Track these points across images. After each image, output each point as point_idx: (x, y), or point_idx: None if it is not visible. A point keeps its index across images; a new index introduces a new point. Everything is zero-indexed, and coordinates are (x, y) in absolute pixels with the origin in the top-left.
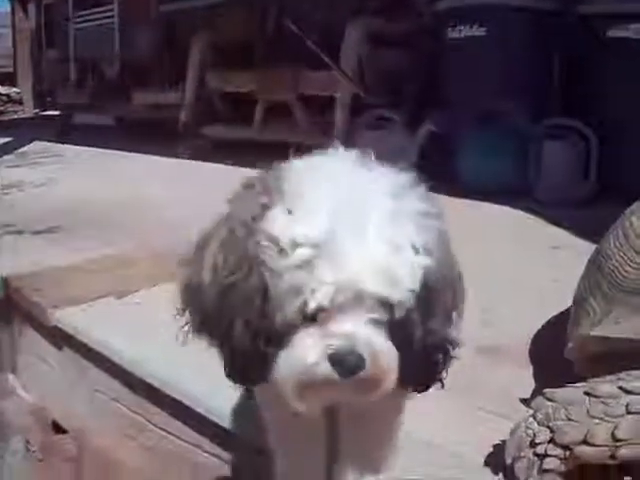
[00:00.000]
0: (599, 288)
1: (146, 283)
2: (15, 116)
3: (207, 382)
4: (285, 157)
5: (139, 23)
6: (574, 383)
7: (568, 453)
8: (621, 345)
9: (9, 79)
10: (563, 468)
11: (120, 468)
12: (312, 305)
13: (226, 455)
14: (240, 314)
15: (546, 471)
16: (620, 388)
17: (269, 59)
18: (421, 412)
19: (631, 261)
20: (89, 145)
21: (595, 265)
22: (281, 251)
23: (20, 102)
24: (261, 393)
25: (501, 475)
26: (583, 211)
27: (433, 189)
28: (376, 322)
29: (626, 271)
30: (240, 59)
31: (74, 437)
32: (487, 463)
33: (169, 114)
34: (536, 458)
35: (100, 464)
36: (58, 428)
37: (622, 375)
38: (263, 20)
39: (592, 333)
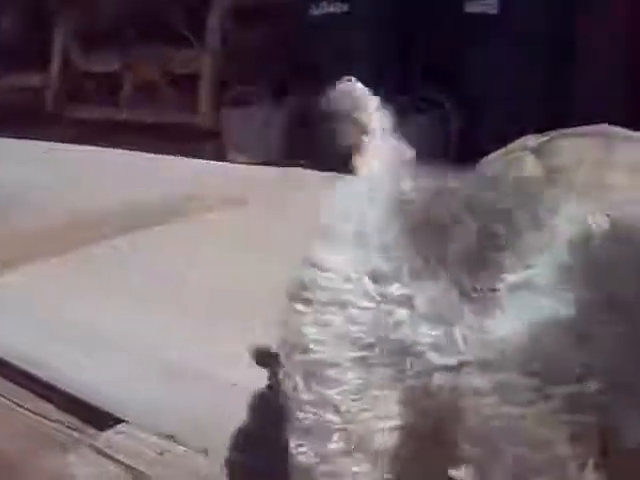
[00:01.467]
0: None
1: (7, 266)
2: None
3: (69, 356)
4: (152, 137)
5: (4, 2)
6: None
7: None
8: None
9: None
10: None
11: None
12: None
13: (92, 430)
14: None
15: None
16: None
17: (135, 38)
18: None
19: None
20: None
21: None
22: None
23: None
24: None
25: None
26: None
27: (300, 165)
28: None
29: None
30: (106, 38)
31: None
32: None
33: (35, 96)
34: None
35: None
36: None
37: None
38: None
39: None
